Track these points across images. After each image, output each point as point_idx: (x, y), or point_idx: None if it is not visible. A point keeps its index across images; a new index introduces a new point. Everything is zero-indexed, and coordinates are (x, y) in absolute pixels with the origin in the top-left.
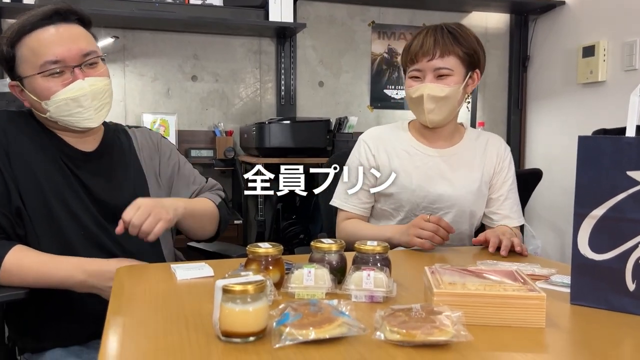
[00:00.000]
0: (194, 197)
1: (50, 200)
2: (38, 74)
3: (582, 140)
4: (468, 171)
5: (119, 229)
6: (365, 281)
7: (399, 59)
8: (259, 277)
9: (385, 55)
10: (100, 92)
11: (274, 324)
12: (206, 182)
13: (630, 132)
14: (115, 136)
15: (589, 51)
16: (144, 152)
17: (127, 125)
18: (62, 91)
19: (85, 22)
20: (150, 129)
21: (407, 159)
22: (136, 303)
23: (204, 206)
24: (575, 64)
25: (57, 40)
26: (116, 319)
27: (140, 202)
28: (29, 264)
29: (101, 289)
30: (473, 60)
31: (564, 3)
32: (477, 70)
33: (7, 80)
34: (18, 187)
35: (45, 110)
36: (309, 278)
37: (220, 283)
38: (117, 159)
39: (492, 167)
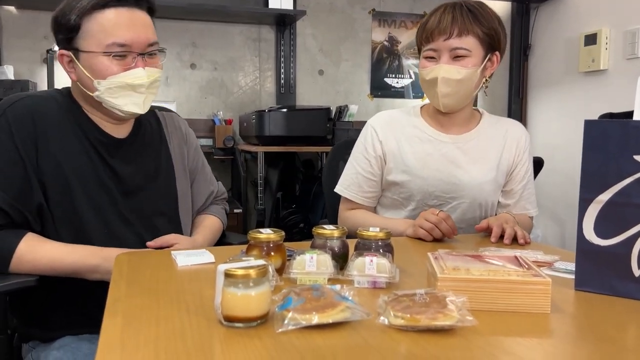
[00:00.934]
0: (209, 200)
1: (76, 196)
2: (102, 52)
3: (589, 124)
4: (483, 160)
5: (152, 244)
6: (368, 267)
7: (399, 47)
8: (261, 262)
9: (386, 43)
10: (155, 82)
11: (277, 308)
12: (217, 186)
13: (638, 116)
14: (147, 120)
15: (590, 39)
16: (173, 139)
17: (157, 107)
18: (121, 75)
19: (153, 11)
20: (177, 115)
21: (418, 145)
22: (136, 289)
23: (216, 233)
24: (577, 52)
25: (129, 24)
26: (116, 305)
27: (181, 240)
28: (42, 250)
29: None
30: (493, 42)
31: None
32: (497, 53)
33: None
34: (43, 181)
35: (95, 88)
36: (311, 264)
37: (222, 267)
38: (148, 145)
39: (511, 157)
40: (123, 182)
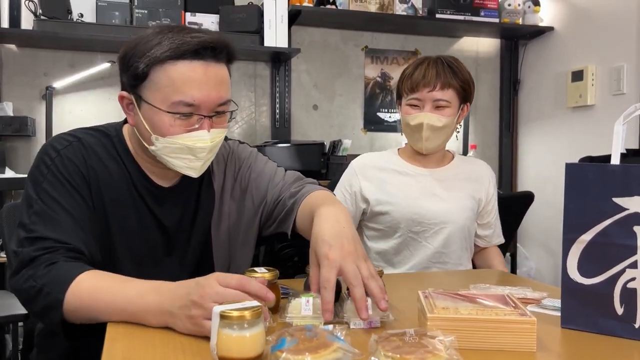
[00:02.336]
0: (287, 189)
1: (114, 247)
2: (166, 111)
3: (569, 167)
4: (459, 189)
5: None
6: None
7: (391, 82)
8: (256, 303)
9: (379, 79)
10: (217, 145)
11: (270, 349)
12: (284, 175)
13: (615, 160)
14: None
15: (577, 76)
16: (218, 166)
17: None
18: (182, 136)
19: (231, 60)
20: (239, 143)
21: (398, 178)
22: (134, 329)
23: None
24: (565, 88)
25: (202, 82)
26: (113, 347)
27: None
28: (100, 285)
29: (173, 313)
30: (466, 94)
31: (552, 29)
32: (468, 103)
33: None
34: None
35: (153, 143)
36: (307, 307)
37: (218, 309)
38: (195, 190)
39: (483, 194)
40: (168, 235)
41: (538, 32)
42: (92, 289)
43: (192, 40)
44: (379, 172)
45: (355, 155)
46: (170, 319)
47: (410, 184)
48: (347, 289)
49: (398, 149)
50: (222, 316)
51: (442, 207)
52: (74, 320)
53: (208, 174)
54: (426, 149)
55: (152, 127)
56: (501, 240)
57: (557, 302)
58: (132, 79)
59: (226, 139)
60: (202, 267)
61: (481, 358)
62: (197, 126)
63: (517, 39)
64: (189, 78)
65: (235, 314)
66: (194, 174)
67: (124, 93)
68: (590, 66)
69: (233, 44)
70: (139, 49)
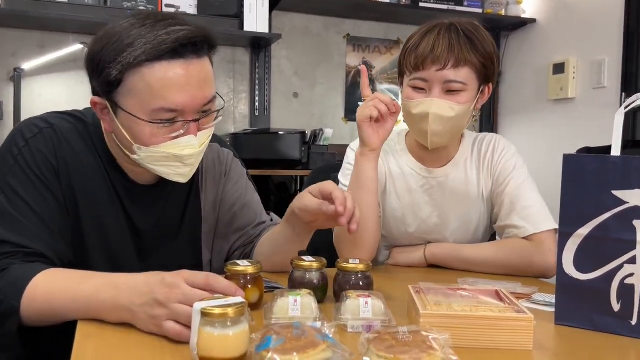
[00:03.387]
0: (256, 230)
1: (86, 246)
2: (146, 120)
3: (567, 158)
4: (464, 193)
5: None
6: (363, 310)
7: (373, 72)
8: (239, 300)
9: (359, 67)
10: (205, 147)
11: (255, 348)
12: (271, 220)
13: (616, 151)
14: None
15: (559, 68)
16: (208, 178)
17: None
18: (168, 145)
19: (213, 50)
20: (222, 147)
21: (400, 179)
22: (107, 327)
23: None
24: (546, 80)
25: (184, 84)
26: (85, 344)
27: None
28: (60, 284)
29: (132, 311)
30: (488, 72)
31: (534, 21)
32: (490, 84)
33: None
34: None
35: (135, 152)
36: (295, 308)
37: (199, 306)
38: (176, 193)
39: (489, 178)
40: (142, 239)
41: (520, 23)
42: (49, 290)
43: (169, 37)
44: (382, 162)
45: (337, 145)
46: (129, 315)
47: (411, 189)
48: (334, 282)
49: (406, 134)
50: (204, 314)
51: (443, 223)
52: (36, 324)
53: (195, 179)
54: (433, 144)
55: (132, 137)
56: (522, 233)
57: (548, 297)
58: (105, 85)
59: (221, 143)
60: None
61: (476, 357)
62: (182, 132)
63: (499, 30)
64: (169, 81)
65: (217, 311)
66: (183, 179)
67: (97, 98)
68: (571, 59)
69: (213, 33)
70: (108, 52)
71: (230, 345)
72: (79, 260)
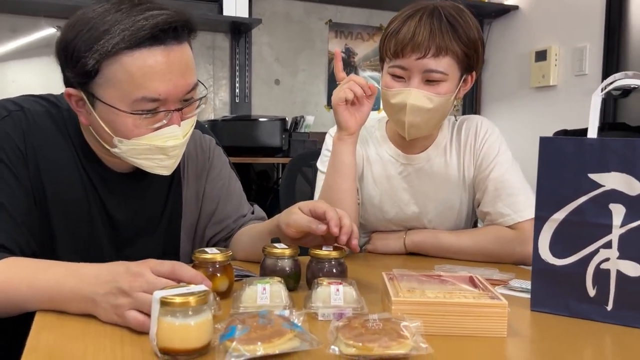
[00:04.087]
0: (238, 222)
1: (54, 235)
2: (128, 112)
3: (544, 141)
4: (444, 178)
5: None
6: (334, 297)
7: (356, 58)
8: (202, 287)
9: (342, 54)
10: (189, 137)
11: (219, 338)
12: (252, 212)
13: (592, 133)
14: None
15: (541, 55)
16: (189, 166)
17: None
18: (150, 136)
19: (192, 34)
20: (203, 133)
21: (379, 165)
22: (66, 318)
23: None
24: (529, 68)
25: (166, 72)
26: (41, 336)
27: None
28: (19, 273)
29: (95, 300)
30: (471, 61)
31: (517, 8)
32: (473, 72)
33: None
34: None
35: (115, 145)
36: (263, 296)
37: (158, 294)
38: (155, 176)
39: (471, 163)
40: (117, 231)
41: (503, 10)
42: (6, 279)
43: (148, 22)
44: (363, 149)
45: (319, 133)
46: (91, 306)
47: (390, 176)
48: (307, 269)
49: (387, 121)
50: (163, 302)
51: (422, 210)
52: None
53: (177, 167)
54: (410, 135)
55: (113, 130)
56: (506, 221)
57: (525, 284)
58: (80, 76)
59: (202, 130)
60: None
61: (449, 345)
62: (164, 122)
63: (482, 17)
64: (151, 69)
65: (178, 300)
66: (166, 172)
67: (72, 90)
68: (554, 46)
69: (192, 17)
70: (83, 40)
71: (192, 335)
72: (45, 251)
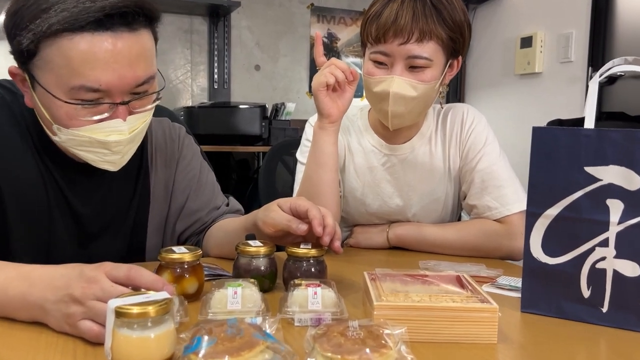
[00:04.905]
0: (211, 214)
1: (9, 229)
2: (64, 100)
3: (537, 131)
4: (428, 169)
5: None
6: (312, 301)
7: (339, 44)
8: (164, 295)
9: (325, 39)
10: (140, 133)
11: (183, 350)
12: (227, 204)
13: (589, 123)
14: None
15: (526, 42)
16: (158, 155)
17: None
18: (89, 128)
19: (155, 21)
20: (172, 122)
21: (361, 156)
22: (16, 326)
23: None
24: (514, 54)
25: (110, 61)
26: None
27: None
28: None
29: (45, 308)
30: (457, 46)
31: None
32: (459, 57)
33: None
34: None
35: (56, 134)
36: (234, 300)
37: (113, 304)
38: (120, 170)
39: (457, 153)
40: (80, 226)
41: None
42: None
43: (94, 5)
44: (345, 138)
45: (300, 121)
46: (41, 314)
47: (372, 167)
48: (284, 269)
49: (369, 110)
50: (119, 313)
51: (409, 202)
52: None
53: (144, 158)
54: (393, 125)
55: (51, 116)
56: (493, 215)
57: (513, 281)
58: (17, 54)
59: (172, 118)
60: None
61: (435, 352)
62: (107, 114)
63: (467, 2)
64: (92, 56)
65: (135, 310)
66: (112, 167)
67: (14, 68)
68: (539, 32)
69: (154, 2)
70: (22, 16)
71: (151, 349)
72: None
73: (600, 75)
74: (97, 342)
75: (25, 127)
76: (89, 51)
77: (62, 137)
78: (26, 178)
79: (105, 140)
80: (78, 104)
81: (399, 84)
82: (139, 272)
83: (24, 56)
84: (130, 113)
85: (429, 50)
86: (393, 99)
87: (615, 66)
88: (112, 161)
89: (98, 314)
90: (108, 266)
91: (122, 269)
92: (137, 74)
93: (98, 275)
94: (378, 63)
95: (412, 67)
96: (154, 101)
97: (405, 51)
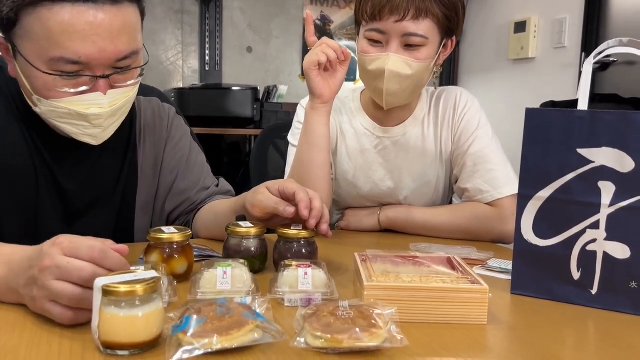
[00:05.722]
0: (200, 195)
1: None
2: (43, 71)
3: (530, 113)
4: (420, 152)
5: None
6: (302, 281)
7: (332, 27)
8: (151, 274)
9: (318, 22)
10: (121, 107)
11: (171, 330)
12: (217, 185)
13: (583, 105)
14: None
15: (520, 27)
16: (147, 135)
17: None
18: (69, 100)
19: None
20: (162, 102)
21: (353, 139)
22: (3, 305)
23: None
24: (507, 39)
25: (90, 33)
26: None
27: None
28: None
29: (19, 293)
30: (452, 25)
31: None
32: (454, 37)
33: None
34: None
35: (36, 104)
36: (224, 280)
37: (100, 282)
38: (109, 145)
39: (449, 136)
40: (67, 202)
41: None
42: None
43: None
44: (336, 121)
45: (292, 104)
46: (19, 298)
47: (364, 149)
48: (274, 250)
49: (362, 91)
50: (106, 291)
51: (400, 185)
52: None
53: (132, 136)
54: (388, 104)
55: (31, 87)
56: (485, 198)
57: (504, 263)
58: (0, 22)
59: (161, 98)
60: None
61: (426, 335)
62: (87, 87)
63: None
64: (72, 28)
65: (123, 288)
66: (93, 141)
67: None
68: (533, 17)
69: None
70: None
71: (139, 327)
72: None
73: (595, 57)
74: (76, 324)
75: (11, 98)
76: (69, 22)
77: (42, 109)
78: (11, 150)
79: (85, 113)
80: (57, 75)
81: (395, 62)
82: (105, 253)
83: (5, 24)
84: (112, 87)
85: (424, 28)
86: (388, 76)
87: (610, 47)
88: (93, 134)
89: (59, 294)
90: (66, 241)
91: (84, 249)
92: (118, 48)
93: (53, 252)
94: (373, 41)
95: (408, 46)
96: (138, 76)
97: (401, 29)
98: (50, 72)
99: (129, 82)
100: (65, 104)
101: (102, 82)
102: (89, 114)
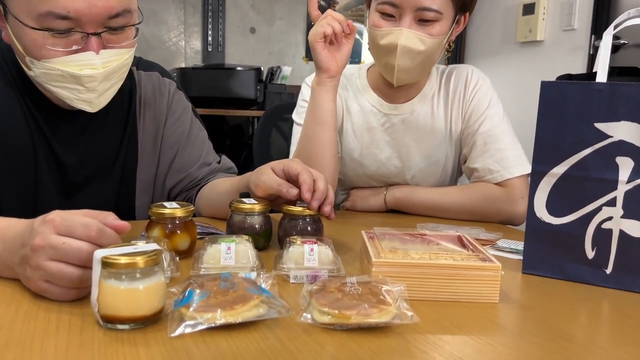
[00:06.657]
0: (201, 171)
1: None
2: (32, 27)
3: (545, 86)
4: (429, 130)
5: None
6: (308, 257)
7: (336, 7)
8: (152, 246)
9: (322, 2)
10: (116, 70)
11: (173, 304)
12: (219, 162)
13: (602, 77)
14: None
15: (529, 9)
16: (146, 109)
17: (140, 63)
18: (61, 60)
19: None
20: (162, 77)
21: (359, 116)
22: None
23: None
24: (515, 22)
25: None
26: None
27: None
28: None
29: (15, 271)
30: (466, 0)
31: None
32: (467, 14)
33: None
34: None
35: (30, 67)
36: (227, 256)
37: (99, 254)
38: (108, 118)
39: (459, 115)
40: (65, 175)
41: None
42: None
43: None
44: (342, 98)
45: (296, 86)
46: (17, 275)
47: (370, 127)
48: (279, 227)
49: (368, 68)
50: (106, 263)
51: (407, 163)
52: None
53: (131, 110)
54: (399, 80)
55: (23, 47)
56: (495, 178)
57: (514, 244)
58: None
59: (162, 73)
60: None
61: (436, 312)
62: (78, 47)
63: None
64: None
65: (123, 260)
66: (89, 108)
67: None
68: None
69: None
70: None
71: (139, 301)
72: None
73: (616, 27)
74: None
75: (8, 71)
76: None
77: (36, 71)
78: (9, 122)
79: (78, 74)
80: (47, 31)
81: (408, 37)
82: (102, 232)
83: None
84: (104, 47)
85: (439, 2)
86: (401, 52)
87: (631, 17)
88: (89, 100)
89: (56, 276)
90: (58, 218)
91: (79, 228)
92: (109, 4)
93: (45, 230)
94: (385, 15)
95: (421, 20)
96: (133, 38)
97: (415, 2)
98: (40, 28)
99: (122, 43)
100: (58, 64)
101: (94, 40)
102: (82, 75)
